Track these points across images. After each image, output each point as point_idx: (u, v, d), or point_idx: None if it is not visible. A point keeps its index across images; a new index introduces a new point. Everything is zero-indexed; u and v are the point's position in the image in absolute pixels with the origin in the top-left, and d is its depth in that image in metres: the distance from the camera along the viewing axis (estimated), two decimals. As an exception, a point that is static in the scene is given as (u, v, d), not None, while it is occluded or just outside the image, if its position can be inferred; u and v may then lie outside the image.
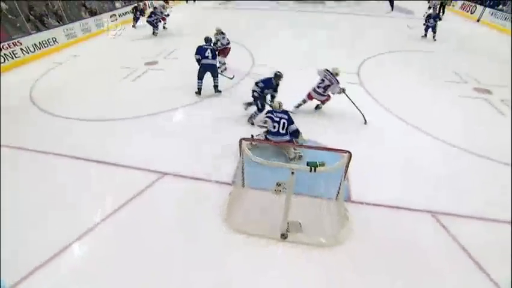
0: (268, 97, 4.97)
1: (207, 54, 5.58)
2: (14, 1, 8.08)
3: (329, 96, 5.09)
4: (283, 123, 3.97)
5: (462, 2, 14.36)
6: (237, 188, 3.42)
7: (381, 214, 3.29)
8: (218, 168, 3.89)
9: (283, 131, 3.99)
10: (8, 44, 7.52)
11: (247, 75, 6.62)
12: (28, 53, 8.05)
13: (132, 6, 11.44)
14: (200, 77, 5.77)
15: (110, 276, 2.69)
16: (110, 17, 11.36)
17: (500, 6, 12.23)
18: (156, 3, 14.41)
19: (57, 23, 9.33)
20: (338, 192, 3.22)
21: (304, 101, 5.20)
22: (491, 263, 2.76)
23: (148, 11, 12.66)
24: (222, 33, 6.73)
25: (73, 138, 4.62)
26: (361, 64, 7.47)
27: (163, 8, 11.12)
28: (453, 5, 13.76)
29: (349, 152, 2.77)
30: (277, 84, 4.89)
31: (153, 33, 10.30)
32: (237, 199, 3.36)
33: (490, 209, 3.33)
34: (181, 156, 4.19)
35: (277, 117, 4.00)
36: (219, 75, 5.93)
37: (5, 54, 7.42)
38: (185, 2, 15.70)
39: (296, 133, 4.07)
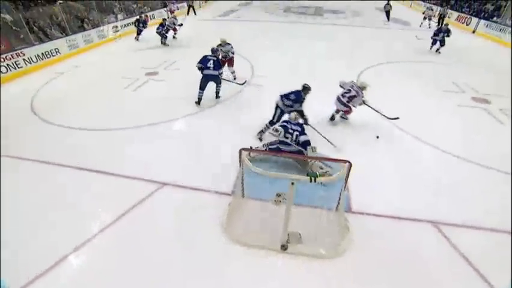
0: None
1: (209, 65, 5.64)
2: (19, 13, 8.26)
3: (350, 108, 5.05)
4: (296, 135, 4.02)
5: (458, 14, 14.68)
6: (236, 198, 3.41)
7: (382, 224, 3.27)
8: (218, 178, 3.88)
9: (294, 143, 4.02)
10: (11, 55, 7.62)
11: (248, 85, 6.68)
12: (31, 63, 8.15)
13: (134, 19, 11.63)
14: (202, 87, 5.82)
15: (108, 286, 2.66)
16: (112, 28, 11.57)
17: (495, 18, 12.53)
18: (164, 13, 14.81)
19: (60, 35, 9.51)
20: (338, 203, 3.20)
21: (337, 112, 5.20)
22: (491, 271, 2.73)
23: (152, 22, 12.95)
24: (228, 43, 6.83)
25: (73, 148, 4.62)
26: (360, 74, 7.57)
27: (175, 18, 11.41)
28: (448, 16, 14.02)
29: (349, 162, 2.77)
30: (304, 98, 4.68)
31: (162, 43, 10.45)
32: (237, 210, 3.34)
33: (490, 218, 3.32)
34: (180, 166, 4.18)
35: (291, 129, 4.05)
36: (232, 83, 6.21)
37: (7, 64, 7.50)
38: (186, 14, 16.00)
39: (306, 144, 4.01)
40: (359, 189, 3.65)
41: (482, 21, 12.72)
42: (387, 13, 15.30)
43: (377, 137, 4.84)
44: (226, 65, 6.88)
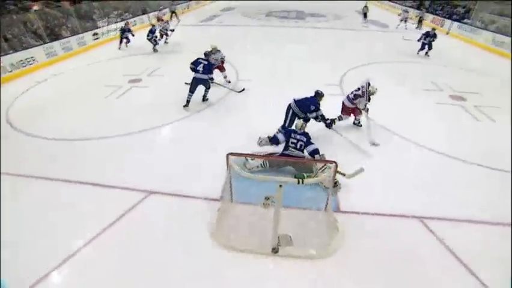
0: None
1: (199, 68, 5.66)
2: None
3: (356, 108, 5.03)
4: (301, 145, 3.89)
5: (433, 16, 15.41)
6: (225, 203, 3.37)
7: (372, 222, 3.31)
8: (206, 183, 3.82)
9: (299, 151, 3.93)
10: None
11: (232, 89, 6.67)
12: (5, 73, 7.81)
13: (116, 26, 11.30)
14: (191, 90, 5.80)
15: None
16: (93, 35, 11.29)
17: (466, 20, 13.27)
18: (146, 20, 14.57)
19: (36, 42, 9.18)
20: (327, 203, 3.23)
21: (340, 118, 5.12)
22: (480, 265, 2.80)
23: (134, 28, 12.66)
24: (218, 50, 6.83)
25: (53, 159, 4.44)
26: (343, 76, 7.73)
27: (167, 23, 11.30)
28: (425, 19, 14.67)
29: (335, 162, 2.81)
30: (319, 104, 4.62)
31: (154, 50, 10.18)
32: (226, 214, 3.30)
33: (477, 213, 3.43)
34: (169, 172, 4.09)
35: (295, 138, 3.91)
36: (231, 90, 6.37)
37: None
38: (169, 19, 15.84)
39: (314, 153, 3.84)
40: (347, 189, 3.70)
41: (455, 23, 13.40)
42: (365, 15, 16.18)
43: (374, 144, 4.72)
44: (221, 70, 6.97)
